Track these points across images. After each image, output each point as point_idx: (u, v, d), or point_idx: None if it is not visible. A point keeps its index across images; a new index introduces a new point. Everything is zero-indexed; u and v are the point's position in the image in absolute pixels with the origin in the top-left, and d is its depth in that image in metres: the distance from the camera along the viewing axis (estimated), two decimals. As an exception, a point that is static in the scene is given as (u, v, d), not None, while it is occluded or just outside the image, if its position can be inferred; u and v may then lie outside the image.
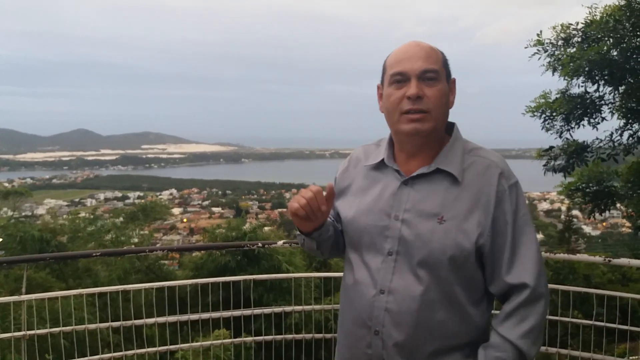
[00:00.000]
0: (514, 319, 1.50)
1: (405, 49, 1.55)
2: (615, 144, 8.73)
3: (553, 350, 3.10)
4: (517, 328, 1.49)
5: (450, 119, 1.63)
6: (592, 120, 8.62)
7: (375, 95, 1.68)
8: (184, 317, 3.27)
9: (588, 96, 8.55)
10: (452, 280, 1.51)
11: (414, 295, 1.50)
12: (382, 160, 1.63)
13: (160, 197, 56.97)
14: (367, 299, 1.56)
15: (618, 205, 10.01)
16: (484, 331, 1.58)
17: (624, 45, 7.77)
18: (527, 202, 1.61)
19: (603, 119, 8.59)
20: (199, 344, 3.58)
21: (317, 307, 3.52)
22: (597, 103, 8.53)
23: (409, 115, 1.51)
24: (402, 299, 1.51)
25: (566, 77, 8.40)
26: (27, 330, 3.05)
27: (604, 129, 8.73)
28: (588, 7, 8.33)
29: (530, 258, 1.52)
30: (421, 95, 1.50)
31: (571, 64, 7.97)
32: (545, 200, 72.30)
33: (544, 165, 9.18)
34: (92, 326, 3.18)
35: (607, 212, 9.39)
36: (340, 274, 1.79)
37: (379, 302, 1.54)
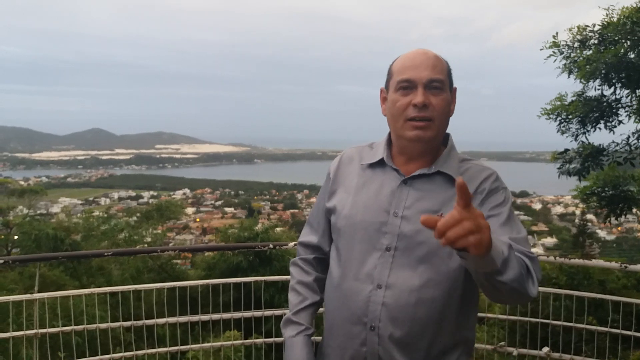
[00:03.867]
0: (519, 255, 1.44)
1: (413, 57, 1.59)
2: (632, 147, 8.62)
3: (567, 356, 3.07)
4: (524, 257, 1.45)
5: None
6: (608, 124, 8.53)
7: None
8: (195, 318, 3.27)
9: (604, 99, 8.46)
10: (451, 277, 1.54)
11: (411, 290, 1.52)
12: (380, 159, 1.66)
13: (173, 196, 57.38)
14: (363, 295, 1.56)
15: (634, 210, 9.87)
16: (473, 334, 1.65)
17: (642, 47, 7.67)
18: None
19: (620, 122, 8.50)
20: (209, 344, 3.59)
21: (328, 309, 3.50)
22: (614, 106, 8.44)
23: (413, 122, 1.56)
24: (399, 293, 1.52)
25: (582, 80, 8.32)
26: (39, 328, 3.07)
27: (620, 132, 8.65)
28: (605, 9, 8.25)
29: (526, 239, 1.54)
30: (427, 103, 1.54)
31: (587, 67, 7.89)
32: (559, 204, 71.73)
33: (559, 169, 9.09)
34: (104, 325, 3.19)
35: (622, 216, 9.27)
36: None
37: (376, 297, 1.54)
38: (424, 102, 1.53)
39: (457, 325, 1.57)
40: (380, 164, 1.67)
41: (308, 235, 1.86)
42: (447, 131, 1.67)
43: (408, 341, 1.53)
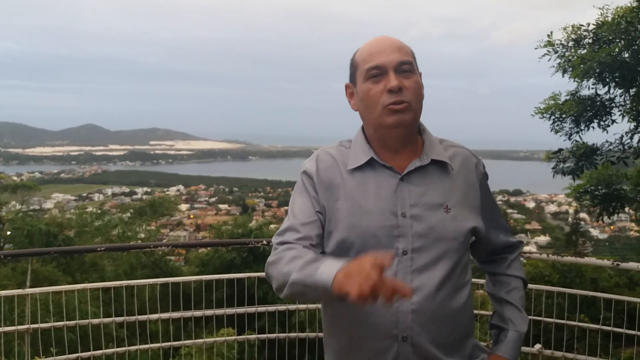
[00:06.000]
0: (516, 263, 1.76)
1: (377, 43, 1.55)
2: (625, 146, 8.67)
3: (559, 354, 3.08)
4: (521, 268, 1.77)
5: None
6: (602, 123, 8.57)
7: None
8: (188, 314, 3.26)
9: (598, 98, 8.49)
10: (461, 265, 1.55)
11: (438, 289, 1.48)
12: (368, 160, 1.55)
13: (167, 193, 57.26)
14: (388, 307, 1.46)
15: (626, 208, 9.93)
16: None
17: (636, 47, 7.71)
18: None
19: (613, 121, 8.54)
20: (202, 340, 3.58)
21: (321, 305, 3.49)
22: (608, 105, 8.47)
23: (391, 107, 1.49)
24: (426, 297, 1.47)
25: (576, 79, 8.35)
26: (31, 324, 3.06)
27: (614, 131, 8.69)
28: (600, 9, 8.27)
29: (504, 220, 1.80)
30: (401, 86, 1.49)
31: (582, 66, 7.92)
32: (552, 202, 72.01)
33: (553, 168, 9.13)
34: (96, 321, 3.18)
35: (615, 215, 9.32)
36: None
37: (404, 306, 1.47)
38: (398, 85, 1.48)
39: (468, 309, 1.58)
40: (369, 164, 1.56)
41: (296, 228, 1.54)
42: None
43: (442, 340, 1.50)
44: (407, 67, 1.51)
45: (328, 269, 1.29)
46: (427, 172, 1.55)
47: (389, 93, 1.48)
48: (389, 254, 1.28)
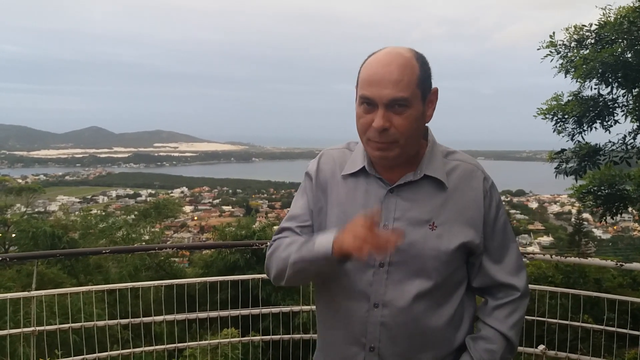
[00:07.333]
0: (503, 311, 1.55)
1: (376, 70, 1.43)
2: (628, 147, 8.65)
3: (563, 354, 3.08)
4: (507, 320, 1.54)
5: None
6: (604, 123, 8.55)
7: None
8: (193, 315, 3.28)
9: (601, 99, 8.48)
10: (446, 285, 1.51)
11: (410, 306, 1.47)
12: (362, 167, 1.56)
13: (171, 195, 57.36)
14: (359, 315, 1.50)
15: (630, 209, 9.91)
16: (471, 332, 1.61)
17: (638, 47, 7.70)
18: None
19: (616, 121, 8.52)
20: (206, 342, 3.60)
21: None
22: (610, 105, 8.46)
23: (375, 143, 1.46)
24: (398, 312, 1.47)
25: (579, 80, 8.34)
26: (37, 326, 3.08)
27: (616, 131, 8.67)
28: (602, 9, 8.27)
29: (517, 259, 1.59)
30: (387, 127, 1.42)
31: (584, 66, 7.91)
32: (555, 203, 71.87)
33: (556, 168, 9.12)
34: (101, 323, 3.21)
35: (618, 215, 9.30)
36: None
37: (374, 317, 1.49)
38: (383, 126, 1.41)
39: (452, 333, 1.54)
40: (363, 171, 1.56)
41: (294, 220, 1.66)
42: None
43: (411, 355, 1.50)
44: (400, 102, 1.42)
45: (324, 239, 1.41)
46: (420, 187, 1.52)
47: (375, 130, 1.44)
48: (376, 211, 1.40)
